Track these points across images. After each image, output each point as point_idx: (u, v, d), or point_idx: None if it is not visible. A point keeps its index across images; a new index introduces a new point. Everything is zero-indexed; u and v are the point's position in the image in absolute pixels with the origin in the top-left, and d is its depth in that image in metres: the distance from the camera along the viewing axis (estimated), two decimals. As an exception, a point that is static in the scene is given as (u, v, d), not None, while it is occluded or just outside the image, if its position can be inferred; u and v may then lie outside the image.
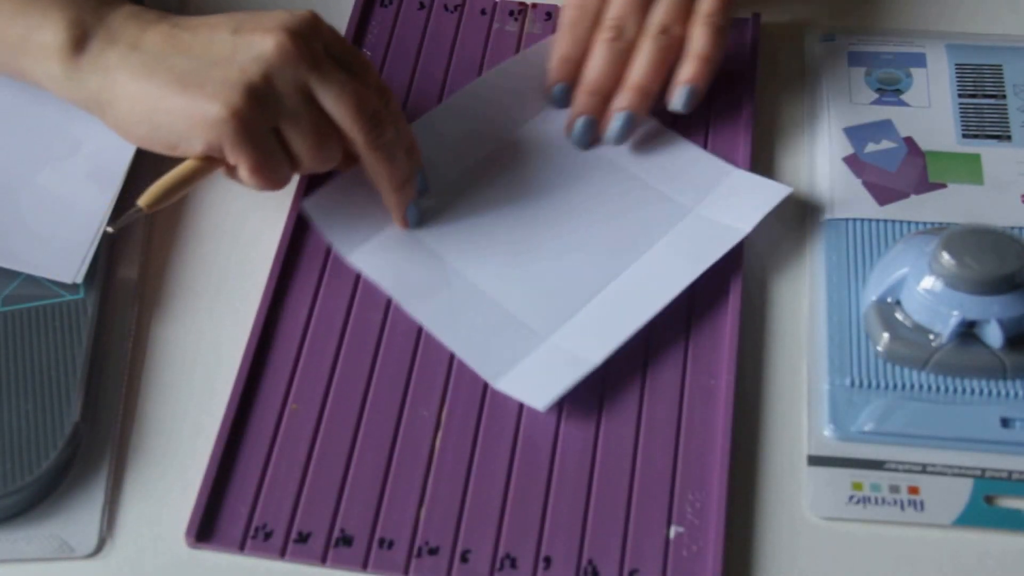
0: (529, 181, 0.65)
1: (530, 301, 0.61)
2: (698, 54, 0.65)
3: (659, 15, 0.65)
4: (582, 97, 0.66)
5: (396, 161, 0.61)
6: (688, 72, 0.65)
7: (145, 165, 0.66)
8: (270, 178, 0.58)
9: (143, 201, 0.58)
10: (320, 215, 0.64)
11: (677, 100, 0.65)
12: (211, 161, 0.58)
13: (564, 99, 0.67)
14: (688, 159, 0.66)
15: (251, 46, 0.56)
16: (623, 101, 0.65)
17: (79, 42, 0.58)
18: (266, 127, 0.57)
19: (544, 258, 0.62)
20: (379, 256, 0.63)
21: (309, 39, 0.57)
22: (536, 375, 0.58)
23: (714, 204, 0.64)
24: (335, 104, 0.58)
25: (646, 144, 0.67)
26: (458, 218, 0.64)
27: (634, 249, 0.62)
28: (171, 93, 0.56)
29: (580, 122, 0.66)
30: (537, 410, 0.57)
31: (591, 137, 0.66)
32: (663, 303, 0.60)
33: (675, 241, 0.62)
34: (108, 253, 0.63)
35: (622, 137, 0.65)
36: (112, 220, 0.62)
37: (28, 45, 0.58)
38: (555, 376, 0.57)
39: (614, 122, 0.65)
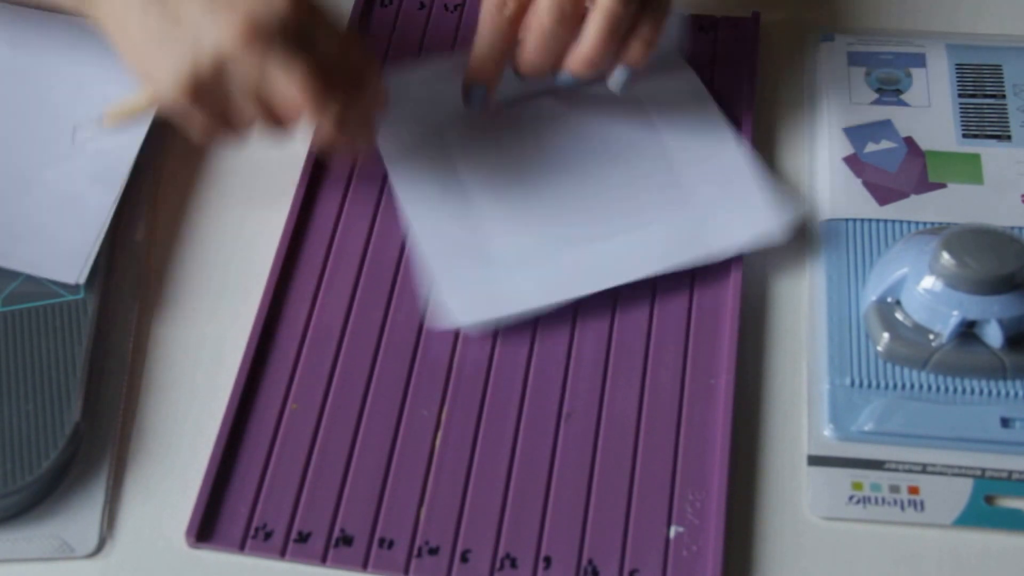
0: (569, 120, 0.67)
1: (509, 225, 0.63)
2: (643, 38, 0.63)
3: None
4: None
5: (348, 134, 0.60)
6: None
7: (148, 165, 0.66)
8: (216, 143, 0.63)
9: (105, 122, 0.63)
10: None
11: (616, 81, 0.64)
12: None
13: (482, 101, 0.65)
14: (721, 150, 0.66)
15: (213, 28, 0.56)
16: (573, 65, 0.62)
17: None
18: (209, 109, 0.58)
19: (546, 195, 0.64)
20: (400, 144, 0.66)
21: (271, 35, 0.56)
22: (476, 290, 0.61)
23: (717, 213, 0.63)
24: (282, 92, 0.57)
25: (688, 121, 0.67)
26: (489, 136, 0.66)
27: (626, 222, 0.63)
28: (136, 45, 0.58)
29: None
30: (535, 406, 0.57)
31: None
32: (612, 284, 0.61)
33: (665, 231, 0.63)
34: (108, 253, 0.63)
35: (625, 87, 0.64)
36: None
37: None
38: (491, 301, 0.60)
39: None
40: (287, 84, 0.57)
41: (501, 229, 0.63)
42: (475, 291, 0.61)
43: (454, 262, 0.62)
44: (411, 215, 0.64)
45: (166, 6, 0.57)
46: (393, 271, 0.63)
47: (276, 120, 0.59)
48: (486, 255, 0.62)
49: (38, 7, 0.68)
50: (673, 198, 0.64)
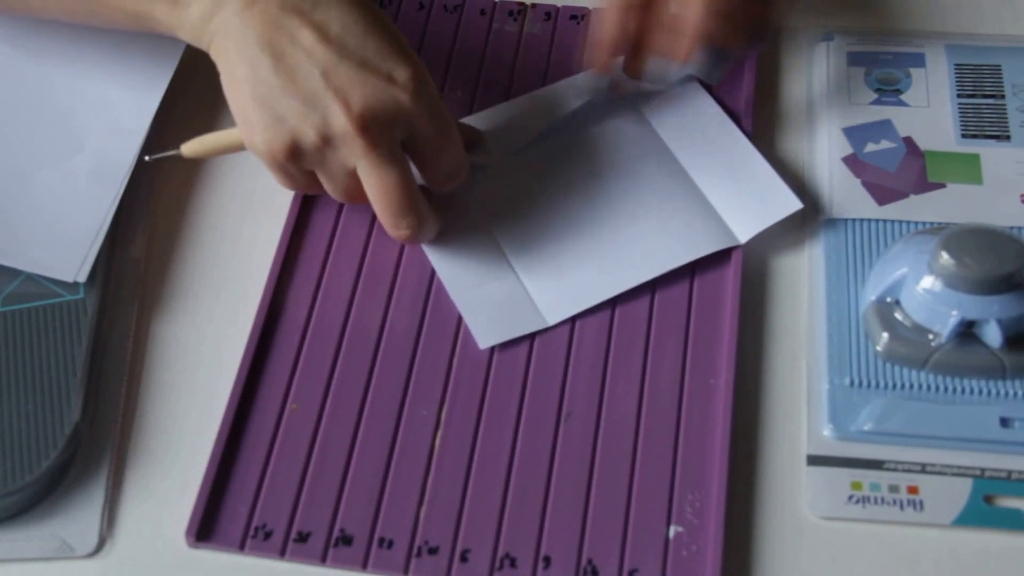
0: (577, 142, 0.67)
1: (514, 229, 0.63)
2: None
3: None
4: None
5: (412, 238, 0.61)
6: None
7: (148, 165, 0.66)
8: (301, 192, 0.63)
9: (186, 149, 0.62)
10: None
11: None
12: None
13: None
14: (720, 133, 0.66)
15: (325, 111, 0.56)
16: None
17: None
18: (296, 170, 0.59)
19: (547, 196, 0.64)
20: None
21: (382, 129, 0.57)
22: (492, 308, 0.61)
23: (726, 197, 0.64)
24: (368, 190, 0.58)
25: (682, 110, 0.67)
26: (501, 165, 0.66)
27: (632, 205, 0.64)
28: (245, 96, 0.57)
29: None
30: (535, 408, 0.57)
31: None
32: (635, 283, 0.61)
33: (674, 217, 0.63)
34: (108, 252, 0.63)
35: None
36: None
37: None
38: (508, 320, 0.60)
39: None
40: (378, 183, 0.58)
41: (506, 231, 0.63)
42: (493, 307, 0.61)
43: (473, 284, 0.62)
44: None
45: (283, 60, 0.56)
46: (393, 271, 0.63)
47: (356, 195, 0.59)
48: (499, 260, 0.62)
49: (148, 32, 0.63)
50: (679, 181, 0.64)
